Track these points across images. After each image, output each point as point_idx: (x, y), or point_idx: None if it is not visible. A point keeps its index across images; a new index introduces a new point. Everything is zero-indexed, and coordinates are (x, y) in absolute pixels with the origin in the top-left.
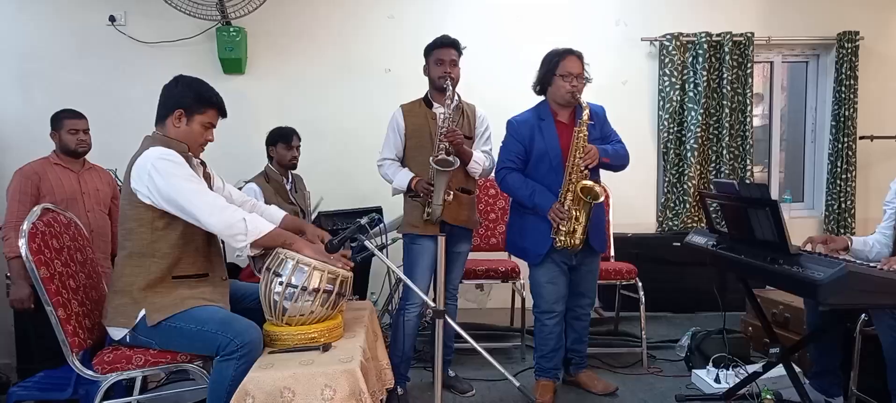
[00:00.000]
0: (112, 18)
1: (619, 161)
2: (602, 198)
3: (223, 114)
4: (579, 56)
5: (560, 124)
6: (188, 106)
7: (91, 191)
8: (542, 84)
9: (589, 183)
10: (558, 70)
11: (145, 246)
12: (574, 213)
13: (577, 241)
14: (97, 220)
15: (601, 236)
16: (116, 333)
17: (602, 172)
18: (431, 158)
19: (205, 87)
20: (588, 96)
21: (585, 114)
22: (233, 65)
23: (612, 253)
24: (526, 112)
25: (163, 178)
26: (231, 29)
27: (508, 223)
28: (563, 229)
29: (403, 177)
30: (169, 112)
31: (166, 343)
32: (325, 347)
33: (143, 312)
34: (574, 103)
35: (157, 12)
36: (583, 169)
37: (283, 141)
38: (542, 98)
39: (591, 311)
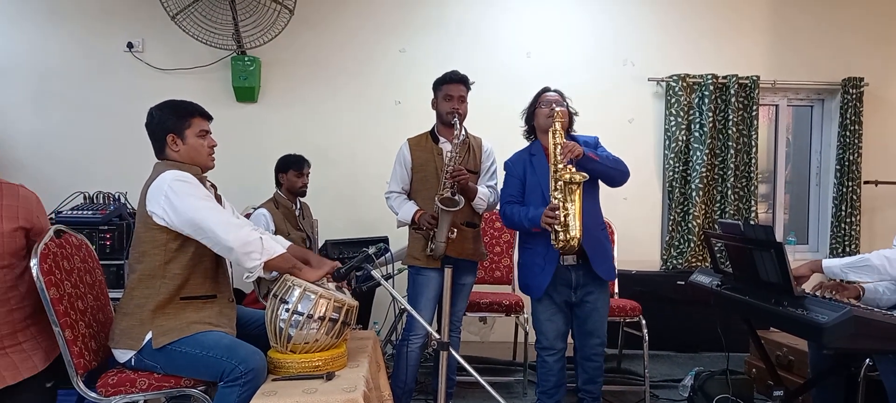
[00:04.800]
0: (130, 45)
1: (612, 164)
2: (579, 179)
3: (207, 116)
4: (556, 91)
5: (550, 156)
6: (174, 127)
7: None
8: (529, 123)
9: (568, 172)
10: (538, 102)
11: (157, 267)
12: (566, 206)
13: (576, 233)
14: None
15: (607, 263)
16: (122, 356)
17: (603, 202)
18: (437, 197)
19: (178, 103)
20: (597, 132)
21: (557, 124)
22: (246, 93)
23: (616, 290)
24: (518, 151)
25: (180, 199)
26: (246, 58)
27: (517, 263)
28: (559, 227)
29: (408, 209)
30: (163, 142)
31: (171, 368)
32: (329, 376)
33: (150, 335)
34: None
35: (174, 40)
36: (564, 161)
37: (294, 168)
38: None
39: (602, 351)
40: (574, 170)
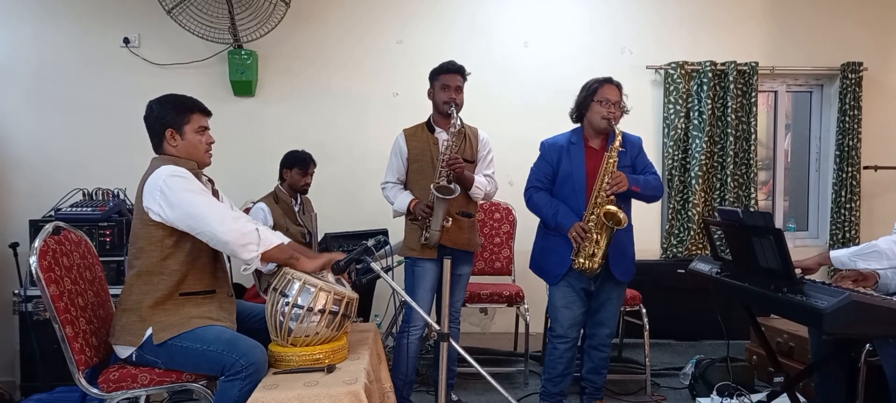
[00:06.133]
0: (126, 40)
1: (650, 191)
2: (624, 225)
3: (206, 112)
4: (618, 85)
5: (590, 150)
6: (172, 122)
7: None
8: (580, 109)
9: (613, 208)
10: (596, 96)
11: (155, 264)
12: (595, 236)
13: (596, 265)
14: None
15: (626, 264)
16: (123, 351)
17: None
18: (432, 185)
19: (178, 98)
20: None
21: (617, 141)
22: (243, 87)
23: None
24: (560, 135)
25: (175, 194)
26: (243, 52)
27: (534, 243)
28: (583, 251)
29: (403, 199)
30: (161, 136)
31: (172, 363)
32: (330, 368)
33: (150, 330)
34: (608, 130)
35: (170, 35)
36: (609, 194)
37: (299, 166)
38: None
39: (610, 343)
40: (614, 200)
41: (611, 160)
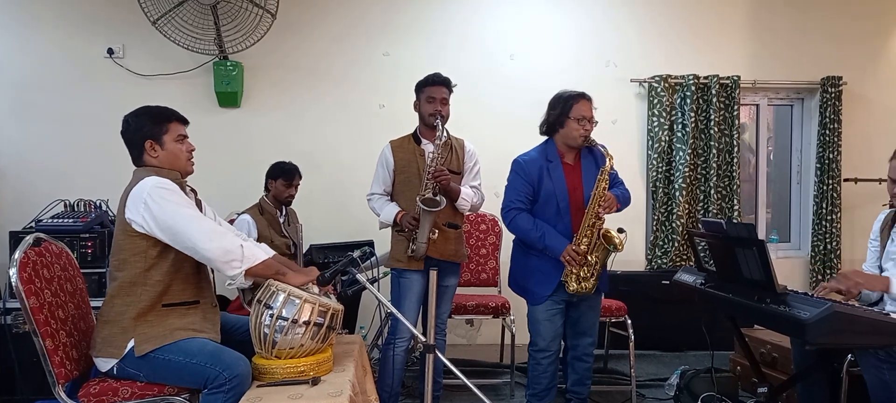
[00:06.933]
0: (110, 51)
1: (624, 204)
2: (621, 249)
3: (184, 120)
4: (590, 100)
5: (567, 166)
6: (151, 132)
7: None
8: (552, 125)
9: (611, 232)
10: (572, 112)
11: (138, 275)
12: (591, 259)
13: (591, 287)
14: None
15: (604, 277)
16: (104, 364)
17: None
18: (418, 197)
19: (153, 109)
20: None
21: (609, 163)
22: (229, 98)
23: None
24: (531, 151)
25: (159, 206)
26: (228, 63)
27: (512, 260)
28: (575, 275)
29: (390, 210)
30: (141, 148)
31: (154, 375)
32: (315, 381)
33: (132, 342)
34: (585, 146)
35: (155, 46)
36: (601, 216)
37: (284, 177)
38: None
39: (593, 352)
40: (613, 231)
41: (604, 181)
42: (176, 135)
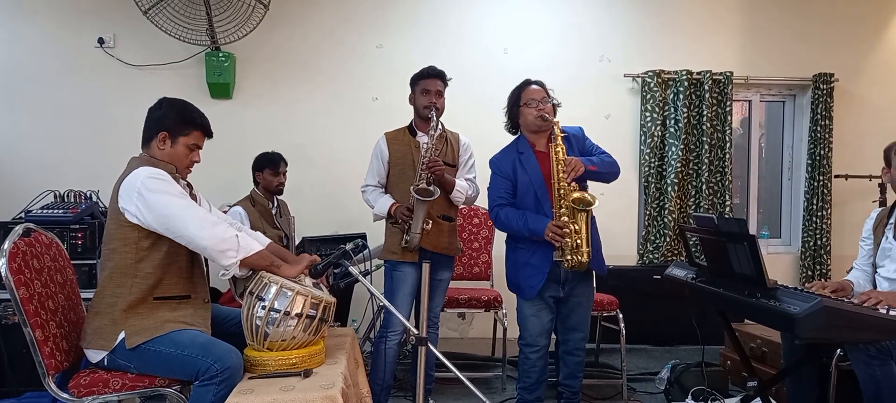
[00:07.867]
0: (101, 40)
1: (606, 168)
2: (596, 204)
3: (208, 134)
4: (538, 83)
5: (540, 154)
6: (172, 128)
7: None
8: (512, 119)
9: (577, 193)
10: (522, 100)
11: (129, 266)
12: (573, 227)
13: (585, 257)
14: None
15: (598, 256)
16: (94, 356)
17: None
18: (412, 187)
19: (188, 109)
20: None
21: (557, 129)
22: (221, 89)
23: (594, 284)
24: (504, 148)
25: (153, 196)
26: (220, 54)
27: (506, 260)
28: (568, 246)
29: (384, 202)
30: (153, 134)
31: (145, 367)
32: (307, 373)
33: (122, 334)
34: (546, 126)
35: (146, 36)
36: (569, 182)
37: (270, 166)
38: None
39: (584, 346)
40: (577, 187)
41: (558, 149)
42: (192, 142)
